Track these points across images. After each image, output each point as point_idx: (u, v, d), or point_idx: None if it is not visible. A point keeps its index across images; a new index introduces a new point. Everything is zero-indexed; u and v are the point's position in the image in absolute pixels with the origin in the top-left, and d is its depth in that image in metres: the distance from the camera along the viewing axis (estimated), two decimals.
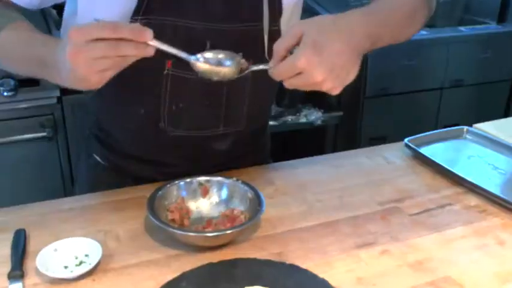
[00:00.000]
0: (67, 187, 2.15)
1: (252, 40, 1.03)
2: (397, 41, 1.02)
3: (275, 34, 1.05)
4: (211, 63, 0.87)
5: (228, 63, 0.88)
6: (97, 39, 0.77)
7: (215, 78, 0.88)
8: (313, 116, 2.54)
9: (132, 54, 0.79)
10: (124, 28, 0.78)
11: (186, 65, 0.98)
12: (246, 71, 0.89)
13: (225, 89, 1.04)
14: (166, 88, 1.01)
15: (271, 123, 1.35)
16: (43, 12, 2.30)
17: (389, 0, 1.00)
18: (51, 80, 0.89)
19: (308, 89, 0.84)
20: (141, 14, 0.95)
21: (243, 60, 0.89)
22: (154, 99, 1.03)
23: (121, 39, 0.77)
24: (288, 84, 0.84)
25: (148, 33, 0.79)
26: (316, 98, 2.53)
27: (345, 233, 0.98)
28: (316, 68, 0.80)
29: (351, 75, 0.85)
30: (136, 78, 0.93)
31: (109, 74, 0.81)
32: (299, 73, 0.81)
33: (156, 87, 1.02)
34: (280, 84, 1.19)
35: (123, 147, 1.14)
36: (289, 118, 2.50)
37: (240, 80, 0.99)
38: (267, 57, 1.04)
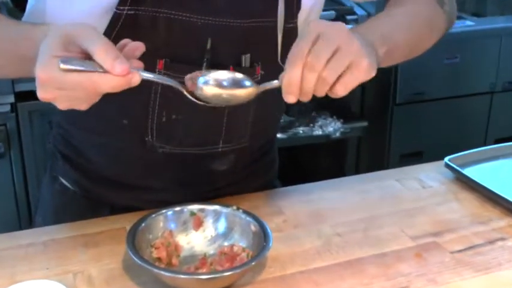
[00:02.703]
0: (22, 215, 2.16)
1: (263, 39, 1.06)
2: (414, 52, 1.13)
3: (291, 33, 1.07)
4: (224, 85, 0.90)
5: (247, 83, 0.91)
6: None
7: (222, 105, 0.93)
8: (331, 127, 2.55)
9: (113, 90, 0.84)
10: (104, 85, 0.82)
11: (181, 67, 1.01)
12: (254, 95, 0.92)
13: None
14: (156, 94, 1.04)
15: (279, 135, 1.37)
16: None
17: (402, 9, 1.10)
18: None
19: (341, 60, 0.86)
20: (129, 4, 0.98)
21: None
22: (141, 108, 1.06)
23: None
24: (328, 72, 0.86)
25: (137, 79, 0.84)
26: (333, 105, 2.55)
27: (371, 274, 1.00)
28: (330, 25, 0.87)
29: (373, 57, 0.91)
30: None
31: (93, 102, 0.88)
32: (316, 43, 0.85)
33: (144, 93, 1.04)
34: None
35: (99, 169, 1.16)
36: (301, 130, 2.52)
37: None
38: (280, 61, 1.07)
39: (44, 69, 0.82)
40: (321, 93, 0.88)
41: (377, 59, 0.94)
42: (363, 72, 0.87)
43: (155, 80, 0.90)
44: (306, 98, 0.88)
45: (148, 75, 0.87)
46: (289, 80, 0.86)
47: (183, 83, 0.91)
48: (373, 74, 0.89)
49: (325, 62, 0.85)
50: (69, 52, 0.83)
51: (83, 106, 0.87)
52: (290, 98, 0.87)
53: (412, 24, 1.09)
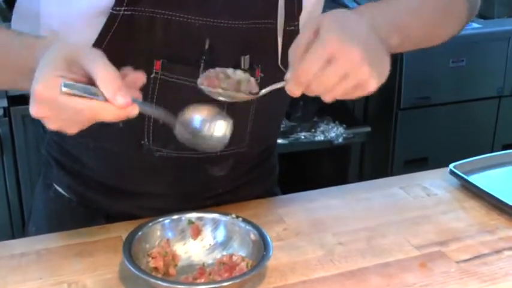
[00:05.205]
0: (15, 224, 2.16)
1: (262, 41, 1.06)
2: (430, 41, 1.09)
3: (292, 36, 1.08)
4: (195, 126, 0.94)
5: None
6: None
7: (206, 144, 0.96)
8: (333, 132, 2.56)
9: (110, 120, 0.86)
10: (104, 113, 0.84)
11: (179, 67, 1.02)
12: (259, 95, 0.95)
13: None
14: (152, 96, 1.05)
15: (279, 141, 1.37)
16: None
17: None
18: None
19: (349, 84, 0.87)
20: (125, 4, 0.98)
21: (252, 80, 0.95)
22: None
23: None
24: (329, 96, 0.89)
25: (135, 110, 0.86)
26: (336, 110, 2.55)
27: (374, 284, 1.00)
28: (349, 44, 0.85)
29: (385, 64, 0.90)
30: None
31: (87, 125, 0.88)
32: (328, 64, 0.86)
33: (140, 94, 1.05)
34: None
35: (94, 175, 1.16)
36: (303, 135, 2.52)
37: None
38: (281, 65, 1.08)
39: (45, 88, 0.82)
40: None
41: (388, 48, 0.93)
42: (367, 91, 0.89)
43: (150, 112, 0.94)
44: None
45: (145, 108, 0.90)
46: (291, 92, 0.90)
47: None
48: (380, 82, 0.90)
49: (330, 88, 0.88)
50: (72, 73, 0.83)
51: (73, 130, 0.88)
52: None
53: (423, 9, 1.06)
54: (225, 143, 0.96)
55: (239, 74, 0.95)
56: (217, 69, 0.95)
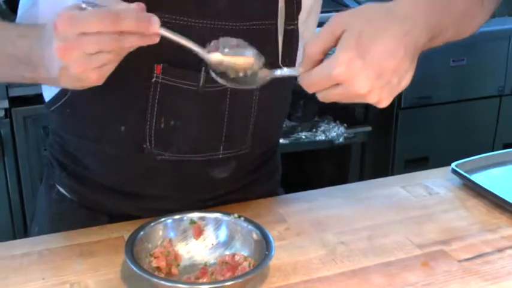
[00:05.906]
0: (17, 225, 2.17)
1: (263, 42, 1.06)
2: (459, 37, 1.04)
3: (291, 35, 1.08)
4: (228, 53, 0.91)
5: (248, 52, 0.92)
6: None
7: (231, 75, 0.92)
8: (334, 132, 2.56)
9: (135, 45, 0.84)
10: (126, 19, 0.82)
11: (179, 71, 1.02)
12: (268, 78, 0.92)
13: (228, 103, 1.08)
14: (153, 100, 1.05)
15: (280, 141, 1.38)
16: None
17: None
18: (37, 81, 0.95)
19: (348, 101, 0.87)
20: None
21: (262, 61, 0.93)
22: (138, 114, 1.07)
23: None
24: (322, 98, 0.87)
25: (157, 22, 0.84)
26: (337, 110, 2.56)
27: (376, 284, 1.01)
28: (359, 77, 0.83)
29: (404, 82, 0.87)
30: (115, 87, 0.96)
31: (109, 69, 0.86)
32: (335, 86, 0.84)
33: (141, 98, 1.05)
34: (293, 93, 1.22)
35: (96, 177, 1.17)
36: (304, 135, 2.52)
37: (245, 90, 1.02)
38: (281, 64, 1.08)
39: (64, 13, 0.81)
40: None
41: (417, 53, 0.88)
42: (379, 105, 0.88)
43: (177, 40, 0.89)
44: None
45: (169, 34, 0.87)
46: (306, 88, 0.88)
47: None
48: (395, 95, 0.88)
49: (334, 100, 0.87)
50: None
51: (109, 66, 0.85)
52: None
53: (460, 4, 1.00)
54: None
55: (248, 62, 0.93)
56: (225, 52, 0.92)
